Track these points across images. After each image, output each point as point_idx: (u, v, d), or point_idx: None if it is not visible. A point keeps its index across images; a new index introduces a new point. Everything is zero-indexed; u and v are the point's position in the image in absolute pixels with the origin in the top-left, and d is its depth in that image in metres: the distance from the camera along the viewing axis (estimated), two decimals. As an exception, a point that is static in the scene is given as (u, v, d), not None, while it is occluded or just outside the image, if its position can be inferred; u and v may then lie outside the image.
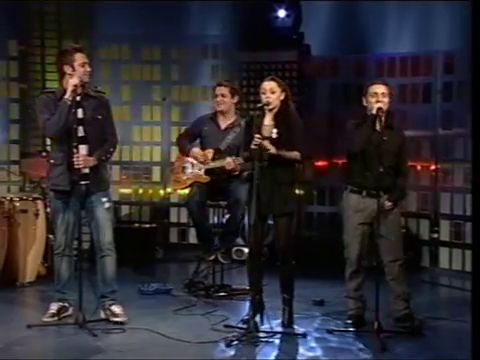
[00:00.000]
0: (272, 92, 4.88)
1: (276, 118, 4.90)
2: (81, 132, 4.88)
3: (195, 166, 5.98)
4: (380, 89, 4.87)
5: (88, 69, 4.93)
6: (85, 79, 4.91)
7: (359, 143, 4.83)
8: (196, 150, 5.99)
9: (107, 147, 5.02)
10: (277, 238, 4.95)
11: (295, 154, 4.83)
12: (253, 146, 4.71)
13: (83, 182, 4.83)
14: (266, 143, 4.71)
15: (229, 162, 5.75)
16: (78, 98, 4.88)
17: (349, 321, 4.96)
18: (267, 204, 4.79)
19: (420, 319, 4.96)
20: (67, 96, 4.81)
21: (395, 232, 4.89)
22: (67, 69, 4.90)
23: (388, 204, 4.85)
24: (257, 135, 4.71)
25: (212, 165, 5.91)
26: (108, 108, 5.09)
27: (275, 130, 4.83)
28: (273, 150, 4.72)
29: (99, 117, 4.98)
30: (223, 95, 5.96)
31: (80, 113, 4.88)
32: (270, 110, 4.91)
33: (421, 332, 4.82)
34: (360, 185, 4.91)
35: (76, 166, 4.80)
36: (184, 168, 6.06)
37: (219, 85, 6.03)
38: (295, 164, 4.97)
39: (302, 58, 8.05)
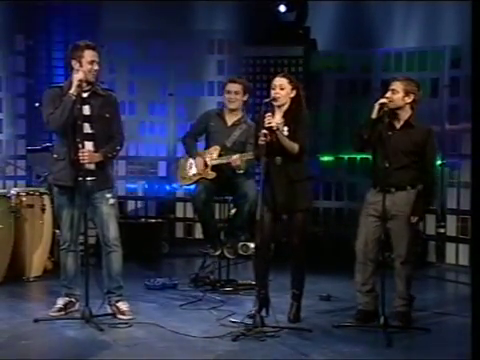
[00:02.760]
0: (281, 88, 4.88)
1: (286, 116, 4.90)
2: (87, 129, 4.89)
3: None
4: (391, 86, 4.88)
5: (96, 68, 4.88)
6: (90, 77, 4.87)
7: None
8: (198, 160, 5.92)
9: (113, 145, 5.01)
10: (291, 235, 4.95)
11: (294, 145, 4.81)
12: (261, 142, 4.70)
13: (89, 178, 4.83)
14: (267, 117, 4.68)
15: (235, 159, 5.74)
16: (86, 95, 4.88)
17: (356, 316, 4.95)
18: (283, 202, 4.80)
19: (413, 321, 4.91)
20: (72, 91, 4.79)
21: (402, 230, 4.85)
22: (74, 64, 4.89)
23: (413, 220, 4.82)
24: (264, 131, 4.71)
25: (218, 161, 5.90)
26: (116, 106, 5.07)
27: (286, 128, 4.83)
28: (273, 124, 4.69)
29: (107, 115, 4.97)
30: (236, 92, 5.91)
31: (87, 110, 4.88)
32: (279, 107, 4.90)
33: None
34: (375, 180, 4.95)
35: (81, 161, 4.80)
36: (190, 164, 6.06)
37: (233, 82, 5.95)
38: (304, 161, 4.97)
39: (308, 53, 8.04)
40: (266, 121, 4.70)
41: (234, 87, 5.92)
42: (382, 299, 4.67)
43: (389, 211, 4.79)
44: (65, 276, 5.12)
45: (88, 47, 4.89)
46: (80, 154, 4.79)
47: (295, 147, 4.81)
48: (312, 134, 5.41)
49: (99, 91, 4.98)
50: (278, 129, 4.76)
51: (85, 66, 4.85)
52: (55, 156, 5.03)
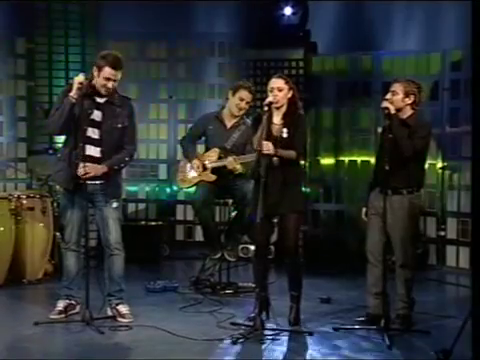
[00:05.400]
0: (279, 90, 4.88)
1: (284, 117, 4.90)
2: (94, 134, 4.86)
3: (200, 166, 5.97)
4: (391, 87, 4.90)
5: (109, 85, 4.80)
6: (102, 91, 4.82)
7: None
8: (195, 162, 5.93)
9: (123, 156, 4.95)
10: (284, 236, 4.94)
11: (291, 153, 4.82)
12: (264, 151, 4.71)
13: (89, 182, 4.81)
14: (265, 144, 4.70)
15: (230, 161, 5.75)
16: (102, 101, 4.86)
17: (361, 318, 4.94)
18: (276, 203, 4.80)
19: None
20: (72, 94, 4.75)
21: (398, 234, 4.83)
22: (94, 71, 4.85)
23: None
24: (266, 142, 4.70)
25: (215, 164, 5.91)
26: (131, 116, 4.99)
27: (285, 129, 4.84)
28: (272, 151, 4.72)
29: (119, 126, 4.91)
30: (248, 103, 5.90)
31: (98, 116, 4.86)
32: (277, 108, 4.91)
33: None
34: (374, 180, 4.98)
35: (80, 175, 4.74)
36: (190, 166, 6.07)
37: (248, 91, 5.84)
38: (301, 164, 4.98)
39: (309, 56, 8.04)
40: (264, 149, 4.69)
41: (249, 97, 5.87)
42: (383, 301, 4.68)
43: (387, 214, 4.78)
44: (66, 276, 5.12)
45: (109, 64, 4.79)
46: (81, 170, 4.74)
47: (293, 155, 4.83)
48: (311, 136, 5.42)
49: (115, 101, 4.92)
50: (276, 154, 4.74)
51: (100, 80, 4.81)
52: (58, 156, 5.05)
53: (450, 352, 4.09)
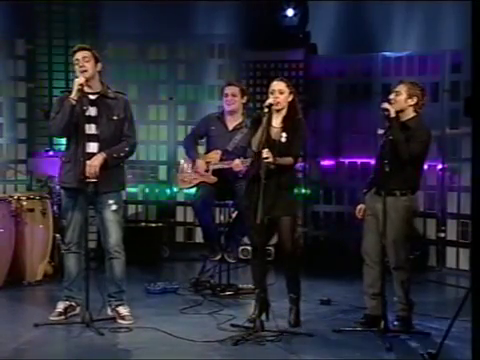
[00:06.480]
0: (281, 93, 4.88)
1: (284, 121, 4.91)
2: (92, 130, 4.89)
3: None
4: (396, 88, 4.91)
5: (85, 66, 4.87)
6: (86, 75, 4.86)
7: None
8: (200, 162, 5.95)
9: (121, 146, 4.98)
10: (281, 239, 4.95)
11: (289, 160, 4.84)
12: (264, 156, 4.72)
13: (91, 180, 4.82)
14: (265, 152, 4.71)
15: (237, 164, 5.73)
16: (94, 97, 4.90)
17: (361, 320, 4.93)
18: (270, 206, 4.80)
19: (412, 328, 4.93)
20: (72, 96, 4.81)
21: (392, 234, 4.80)
22: (76, 69, 4.94)
23: None
24: (266, 150, 4.70)
25: (219, 166, 5.90)
26: (126, 109, 5.04)
27: (284, 134, 4.84)
28: (271, 159, 4.72)
29: (115, 118, 4.96)
30: (234, 94, 5.94)
31: (93, 111, 4.90)
32: (278, 111, 4.91)
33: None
34: (370, 181, 5.00)
35: (90, 175, 4.78)
36: (191, 167, 6.06)
37: (229, 85, 6.02)
38: (295, 169, 5.00)
39: (308, 57, 8.05)
40: (264, 156, 4.69)
41: (231, 89, 5.95)
42: (382, 303, 4.68)
43: (381, 215, 4.77)
44: (67, 278, 5.12)
45: (77, 50, 4.95)
46: (88, 174, 4.77)
47: (290, 162, 4.85)
48: (311, 138, 5.43)
49: (109, 94, 4.99)
50: (275, 162, 4.75)
51: (77, 68, 4.89)
52: (63, 159, 5.06)
53: (437, 354, 4.10)
